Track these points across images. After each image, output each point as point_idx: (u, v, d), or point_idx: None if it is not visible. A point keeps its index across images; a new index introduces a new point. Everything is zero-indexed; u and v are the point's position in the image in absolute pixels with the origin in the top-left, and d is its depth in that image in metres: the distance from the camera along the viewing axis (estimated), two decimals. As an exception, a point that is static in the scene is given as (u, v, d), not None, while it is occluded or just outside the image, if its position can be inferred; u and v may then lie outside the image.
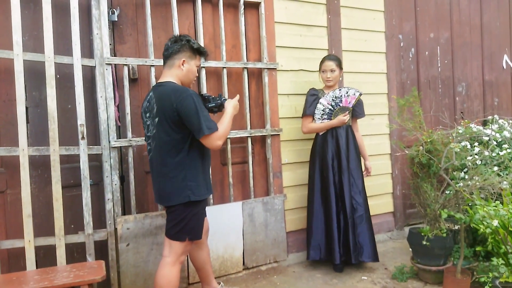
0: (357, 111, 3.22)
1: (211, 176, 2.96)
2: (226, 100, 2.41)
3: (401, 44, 4.13)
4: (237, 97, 2.43)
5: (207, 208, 2.71)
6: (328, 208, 3.09)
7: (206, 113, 2.11)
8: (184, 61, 2.20)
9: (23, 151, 2.41)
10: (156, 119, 2.14)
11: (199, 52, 2.27)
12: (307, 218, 3.22)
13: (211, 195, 2.98)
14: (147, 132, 2.26)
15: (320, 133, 3.18)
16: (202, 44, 2.97)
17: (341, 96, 3.08)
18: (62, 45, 2.66)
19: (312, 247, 3.14)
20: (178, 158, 2.12)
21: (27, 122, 2.52)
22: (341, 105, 3.08)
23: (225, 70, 3.08)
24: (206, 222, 2.52)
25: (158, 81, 2.24)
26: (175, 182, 2.13)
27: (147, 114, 2.23)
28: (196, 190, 2.15)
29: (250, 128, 3.22)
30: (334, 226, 3.04)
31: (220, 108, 2.42)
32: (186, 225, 2.16)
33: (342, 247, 3.05)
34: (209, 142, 2.09)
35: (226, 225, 3.03)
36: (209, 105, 2.38)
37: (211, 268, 2.60)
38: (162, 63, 2.75)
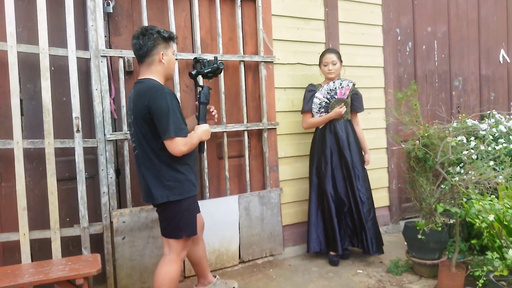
0: (356, 105, 3.23)
1: (207, 170, 2.99)
2: (222, 63, 2.34)
3: (399, 38, 4.11)
4: (208, 127, 2.25)
5: (203, 202, 2.70)
6: (326, 202, 3.11)
7: (179, 116, 2.02)
8: (162, 54, 2.12)
9: (18, 144, 2.39)
10: (132, 117, 2.12)
11: (171, 38, 2.18)
12: (307, 211, 3.26)
13: (207, 190, 2.99)
14: (129, 130, 2.23)
15: (320, 127, 3.19)
16: (198, 37, 2.96)
17: (335, 88, 3.09)
18: (57, 37, 2.63)
19: (312, 240, 3.19)
20: (154, 158, 2.08)
21: (22, 114, 2.49)
22: (336, 97, 3.09)
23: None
24: (200, 217, 2.48)
25: (138, 78, 2.17)
26: (153, 181, 2.09)
27: (128, 112, 2.19)
28: (175, 189, 2.08)
29: (247, 122, 3.21)
30: (334, 218, 3.07)
31: (215, 73, 2.35)
32: (179, 222, 2.13)
33: (342, 240, 3.11)
34: (172, 145, 1.99)
35: (222, 218, 3.03)
36: (205, 70, 2.31)
37: (207, 263, 2.60)
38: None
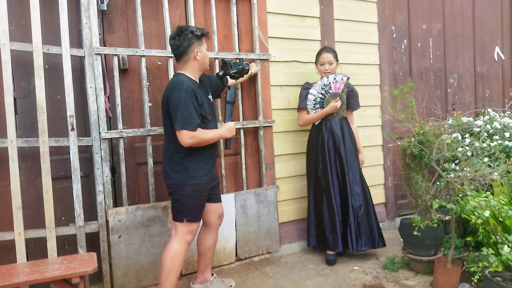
0: (352, 102, 3.23)
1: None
2: (247, 64, 2.56)
3: (394, 36, 4.12)
4: (233, 124, 2.50)
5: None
6: (327, 198, 3.11)
7: (190, 110, 2.18)
8: (197, 51, 2.31)
9: (12, 143, 2.37)
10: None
11: (203, 35, 2.36)
12: (307, 207, 3.28)
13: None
14: None
15: (316, 124, 3.19)
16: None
17: (329, 83, 3.08)
18: (51, 35, 2.61)
19: (312, 235, 3.24)
20: (169, 143, 2.33)
21: (16, 113, 2.48)
22: (331, 92, 3.08)
23: (217, 61, 3.04)
24: (219, 207, 2.60)
25: (175, 72, 2.42)
26: (164, 164, 2.37)
27: None
28: (180, 174, 2.28)
29: (243, 120, 3.21)
30: (336, 215, 3.07)
31: (241, 73, 2.56)
32: (181, 206, 2.31)
33: (341, 237, 3.11)
34: (179, 136, 2.20)
35: (219, 216, 3.03)
36: (231, 71, 2.52)
37: (212, 258, 2.65)
38: (152, 53, 2.79)
